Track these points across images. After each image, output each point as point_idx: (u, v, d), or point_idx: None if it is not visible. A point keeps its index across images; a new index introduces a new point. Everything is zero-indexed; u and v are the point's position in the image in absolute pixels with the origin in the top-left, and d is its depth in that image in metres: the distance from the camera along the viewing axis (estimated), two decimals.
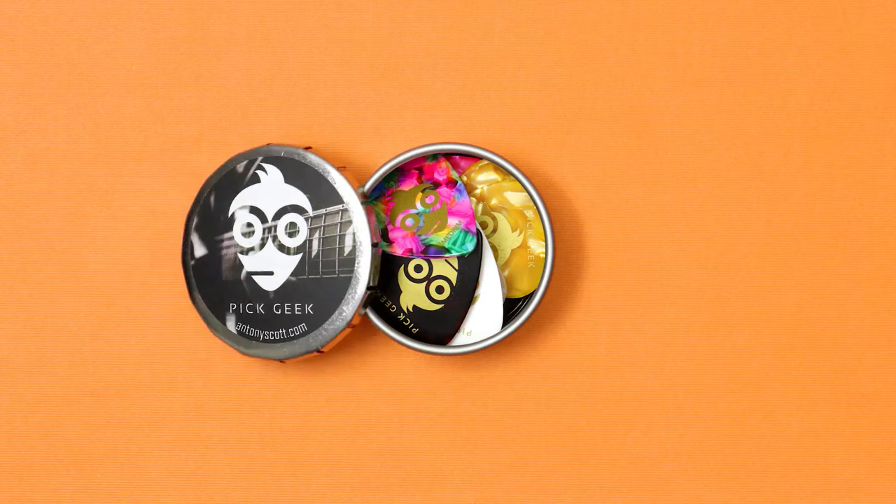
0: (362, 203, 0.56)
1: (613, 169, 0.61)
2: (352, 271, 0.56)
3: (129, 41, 0.62)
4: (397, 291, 0.59)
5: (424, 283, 0.60)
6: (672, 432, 0.61)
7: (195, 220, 0.58)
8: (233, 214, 0.58)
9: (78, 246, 0.61)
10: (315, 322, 0.57)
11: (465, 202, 0.59)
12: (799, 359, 0.61)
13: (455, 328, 0.59)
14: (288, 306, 0.57)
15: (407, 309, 0.60)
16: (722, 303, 0.61)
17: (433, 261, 0.59)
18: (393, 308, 0.60)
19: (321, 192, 0.57)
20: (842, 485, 0.61)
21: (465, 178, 0.61)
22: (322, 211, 0.57)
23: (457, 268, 0.59)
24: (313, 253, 0.57)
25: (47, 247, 0.62)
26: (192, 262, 0.58)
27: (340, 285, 0.56)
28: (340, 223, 0.57)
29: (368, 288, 0.57)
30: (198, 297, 0.58)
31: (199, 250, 0.58)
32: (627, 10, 0.61)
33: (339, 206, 0.57)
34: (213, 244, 0.58)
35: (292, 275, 0.57)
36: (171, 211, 0.62)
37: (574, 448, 0.61)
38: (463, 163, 0.61)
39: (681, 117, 0.61)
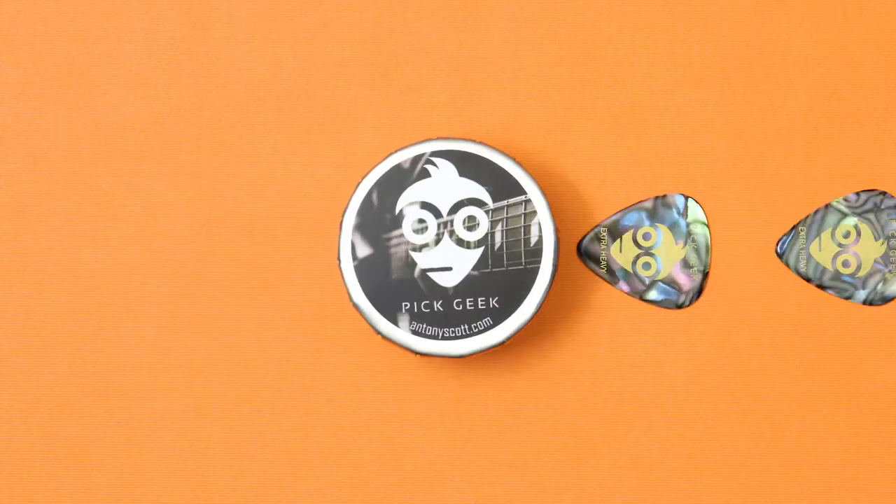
0: (544, 194, 0.56)
1: (614, 169, 0.61)
2: (539, 261, 0.56)
3: (129, 41, 0.62)
4: None
5: None
6: (672, 432, 0.61)
7: (356, 220, 0.57)
8: (401, 211, 0.57)
9: (78, 246, 0.61)
10: (501, 315, 0.56)
11: None
12: (799, 359, 0.61)
13: None
14: (470, 301, 0.57)
15: None
16: (722, 303, 0.61)
17: None
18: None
19: (499, 184, 0.57)
20: (842, 485, 0.61)
21: None
22: (503, 203, 0.57)
23: None
24: (496, 245, 0.56)
25: (47, 247, 0.61)
26: (355, 263, 0.57)
27: (527, 276, 0.56)
28: (525, 214, 0.56)
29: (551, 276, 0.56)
30: (362, 298, 0.57)
31: (363, 250, 0.57)
32: (627, 10, 0.61)
33: (522, 198, 0.56)
34: (380, 243, 0.57)
35: (473, 269, 0.56)
36: (170, 211, 0.61)
37: (574, 448, 0.61)
38: None
39: (681, 117, 0.61)
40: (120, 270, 0.61)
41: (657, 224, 0.57)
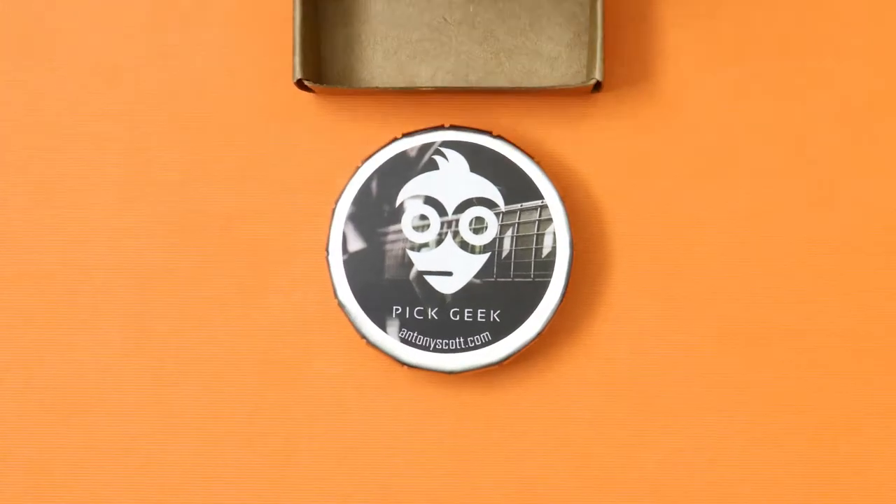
0: (562, 200, 0.56)
1: (637, 167, 0.61)
2: (549, 275, 0.55)
3: (92, 20, 0.61)
4: None
5: None
6: (701, 457, 0.59)
7: (350, 209, 0.56)
8: (401, 205, 0.56)
9: (33, 243, 0.61)
10: (501, 331, 0.56)
11: None
12: (844, 370, 0.60)
13: None
14: (469, 312, 0.56)
15: None
16: (757, 311, 0.60)
17: None
18: None
19: (514, 185, 0.56)
20: None
21: None
22: (517, 206, 0.56)
23: None
24: (504, 253, 0.56)
25: None
26: (345, 257, 0.56)
27: (535, 290, 0.56)
28: (539, 221, 0.56)
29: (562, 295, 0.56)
30: (349, 297, 0.56)
31: (355, 244, 0.56)
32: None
33: (538, 202, 0.56)
34: (374, 237, 0.56)
35: (476, 277, 0.56)
36: (138, 203, 0.61)
37: (589, 476, 0.59)
38: None
39: (712, 114, 0.61)
40: (81, 270, 0.61)
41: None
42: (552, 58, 0.58)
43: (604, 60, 0.55)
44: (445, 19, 0.58)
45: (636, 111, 0.60)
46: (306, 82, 0.55)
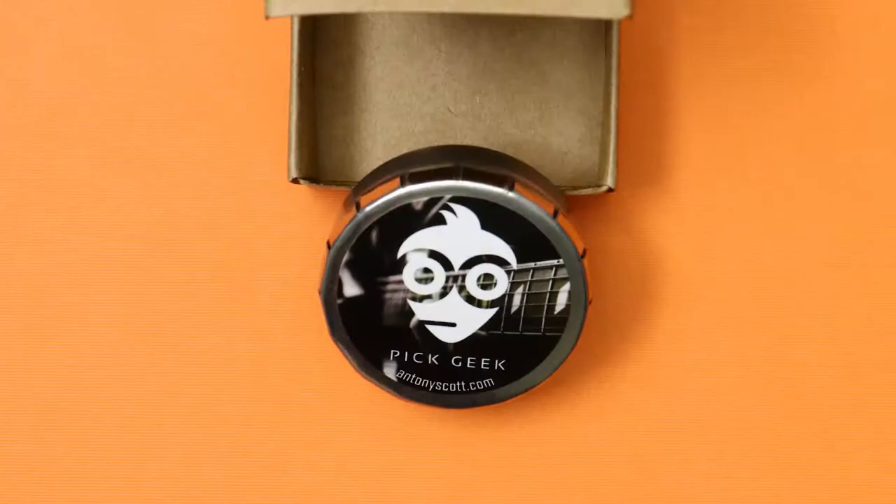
0: (580, 258, 0.55)
1: (656, 174, 0.60)
2: (562, 331, 0.56)
3: (75, 2, 0.61)
4: None
5: None
6: (734, 494, 0.60)
7: (348, 256, 0.55)
8: (404, 256, 0.55)
9: (10, 246, 0.61)
10: (506, 378, 0.56)
11: None
12: (863, 378, 0.60)
13: None
14: (472, 360, 0.56)
15: None
16: (793, 332, 0.60)
17: None
18: None
19: (528, 243, 0.55)
20: None
21: None
22: (530, 265, 0.55)
23: None
24: (513, 308, 0.55)
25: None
26: (340, 301, 0.56)
27: (544, 344, 0.56)
28: (553, 280, 0.55)
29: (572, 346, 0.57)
30: (345, 338, 0.56)
31: (352, 290, 0.55)
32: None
33: (553, 262, 0.55)
34: (373, 286, 0.56)
35: (482, 329, 0.56)
36: (121, 205, 0.61)
37: None
38: None
39: (731, 114, 0.60)
40: (61, 275, 0.61)
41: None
42: (562, 153, 0.58)
43: (617, 165, 0.56)
44: (450, 110, 0.58)
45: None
46: (302, 181, 0.56)
